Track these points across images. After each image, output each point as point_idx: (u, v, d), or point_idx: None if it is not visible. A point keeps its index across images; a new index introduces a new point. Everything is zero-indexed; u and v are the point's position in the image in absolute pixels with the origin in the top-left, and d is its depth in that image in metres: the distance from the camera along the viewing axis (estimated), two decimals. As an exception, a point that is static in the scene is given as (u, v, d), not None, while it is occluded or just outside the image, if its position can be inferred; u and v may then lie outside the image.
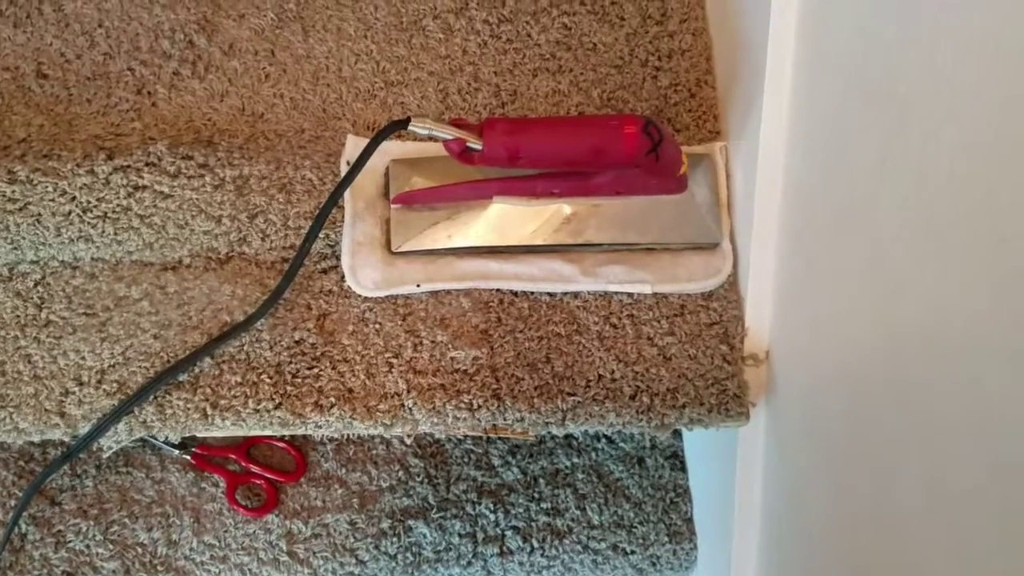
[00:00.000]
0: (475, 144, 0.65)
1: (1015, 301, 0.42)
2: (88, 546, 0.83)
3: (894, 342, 0.54)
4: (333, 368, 0.70)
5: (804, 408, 0.67)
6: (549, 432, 0.72)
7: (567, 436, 0.90)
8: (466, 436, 0.89)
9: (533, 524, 0.87)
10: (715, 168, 0.76)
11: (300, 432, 0.71)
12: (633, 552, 0.87)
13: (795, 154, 0.68)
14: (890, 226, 0.54)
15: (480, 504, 0.87)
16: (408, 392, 0.70)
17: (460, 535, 0.86)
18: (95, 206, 0.72)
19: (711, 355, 0.72)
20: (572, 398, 0.70)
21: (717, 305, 0.74)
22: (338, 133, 0.77)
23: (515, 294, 0.74)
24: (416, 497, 0.87)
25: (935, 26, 0.49)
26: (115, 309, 0.72)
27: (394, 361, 0.71)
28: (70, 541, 0.83)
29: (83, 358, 0.71)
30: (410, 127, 0.64)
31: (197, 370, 0.70)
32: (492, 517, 0.87)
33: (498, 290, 0.74)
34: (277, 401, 0.69)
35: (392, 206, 0.73)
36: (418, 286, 0.72)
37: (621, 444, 0.90)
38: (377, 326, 0.72)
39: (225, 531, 0.85)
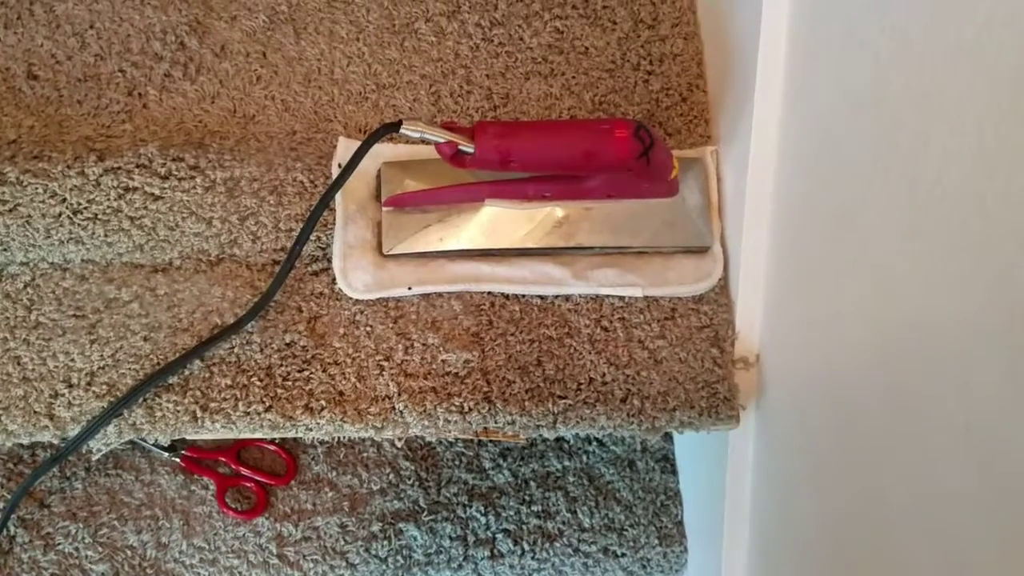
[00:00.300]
0: (467, 147, 0.65)
1: (1004, 306, 0.42)
2: (77, 549, 0.83)
3: (883, 346, 0.54)
4: (324, 371, 0.70)
5: (794, 411, 0.67)
6: (540, 435, 0.72)
7: (558, 439, 0.91)
8: (457, 439, 0.89)
9: (524, 527, 0.87)
10: (706, 172, 0.76)
11: (290, 435, 0.71)
12: (624, 555, 0.87)
13: (785, 159, 0.69)
14: (879, 231, 0.54)
15: (471, 507, 0.87)
16: (399, 395, 0.70)
17: (451, 538, 0.86)
18: (85, 208, 0.72)
19: (701, 358, 0.72)
20: (563, 401, 0.70)
21: (708, 309, 0.74)
22: (329, 135, 0.77)
23: (506, 297, 0.74)
24: (407, 500, 0.87)
25: (925, 32, 0.49)
26: (105, 311, 0.72)
27: (385, 364, 0.71)
28: (59, 544, 0.83)
29: (73, 360, 0.70)
30: (402, 130, 0.65)
31: (187, 372, 0.70)
32: (483, 520, 0.87)
33: (489, 293, 0.74)
34: (267, 404, 0.69)
35: (384, 209, 0.73)
36: (409, 289, 0.72)
37: (612, 447, 0.91)
38: (368, 329, 0.72)
39: (215, 534, 0.85)
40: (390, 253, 0.72)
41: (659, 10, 0.83)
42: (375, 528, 0.85)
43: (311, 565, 0.84)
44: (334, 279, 0.73)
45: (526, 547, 0.86)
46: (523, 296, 0.74)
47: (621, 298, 0.74)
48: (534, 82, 0.81)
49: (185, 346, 0.70)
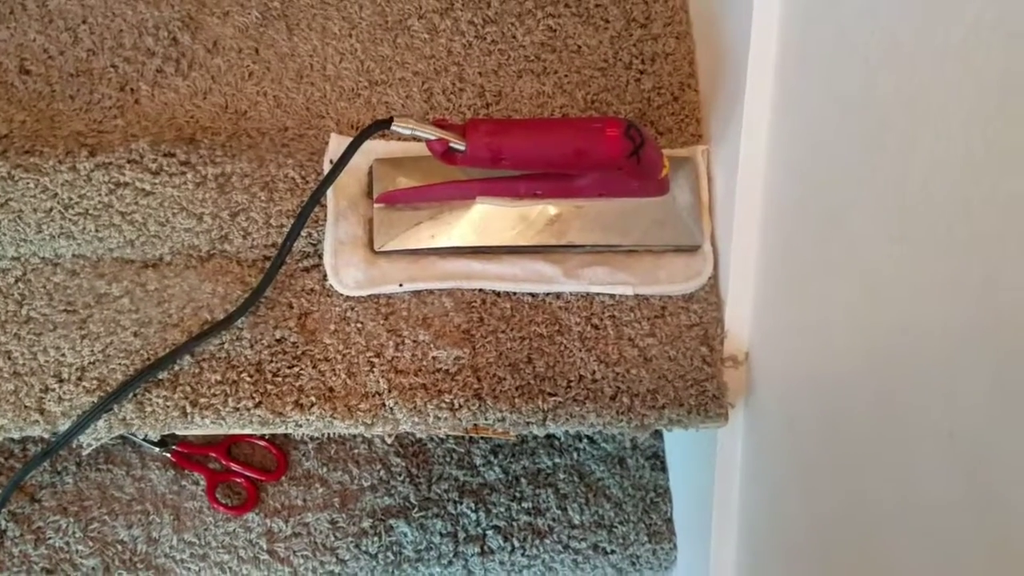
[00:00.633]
0: (458, 144, 0.65)
1: (990, 311, 0.42)
2: (68, 543, 0.83)
3: (870, 350, 0.54)
4: (314, 367, 0.71)
5: (782, 410, 0.68)
6: (530, 432, 0.72)
7: (549, 436, 0.91)
8: (448, 436, 0.89)
9: (514, 523, 0.87)
10: (697, 171, 0.76)
11: (280, 431, 0.71)
12: (613, 552, 0.87)
13: (775, 159, 0.69)
14: (867, 234, 0.54)
15: (461, 503, 0.87)
16: (389, 391, 0.70)
17: (441, 534, 0.86)
18: (77, 203, 0.72)
19: (691, 357, 0.72)
20: (553, 398, 0.71)
21: (697, 307, 0.74)
22: (321, 132, 0.77)
23: (497, 294, 0.74)
24: (397, 496, 0.87)
25: (914, 36, 0.49)
26: (96, 306, 0.72)
27: (375, 360, 0.71)
28: (50, 538, 0.83)
29: (63, 355, 0.70)
30: (393, 127, 0.65)
31: (177, 368, 0.70)
32: (473, 516, 0.87)
33: (480, 290, 0.74)
34: (257, 400, 0.69)
35: (375, 205, 0.73)
36: (400, 286, 0.73)
37: (602, 444, 0.91)
38: (359, 325, 0.72)
39: (205, 529, 0.85)
40: (381, 250, 0.73)
41: (651, 9, 0.83)
42: (365, 524, 0.86)
43: (301, 561, 0.84)
44: (325, 275, 0.73)
45: (516, 544, 0.86)
46: (514, 294, 0.74)
47: (611, 296, 0.74)
48: (526, 80, 0.81)
49: (175, 342, 0.70)
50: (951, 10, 0.46)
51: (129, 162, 0.72)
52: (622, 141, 0.66)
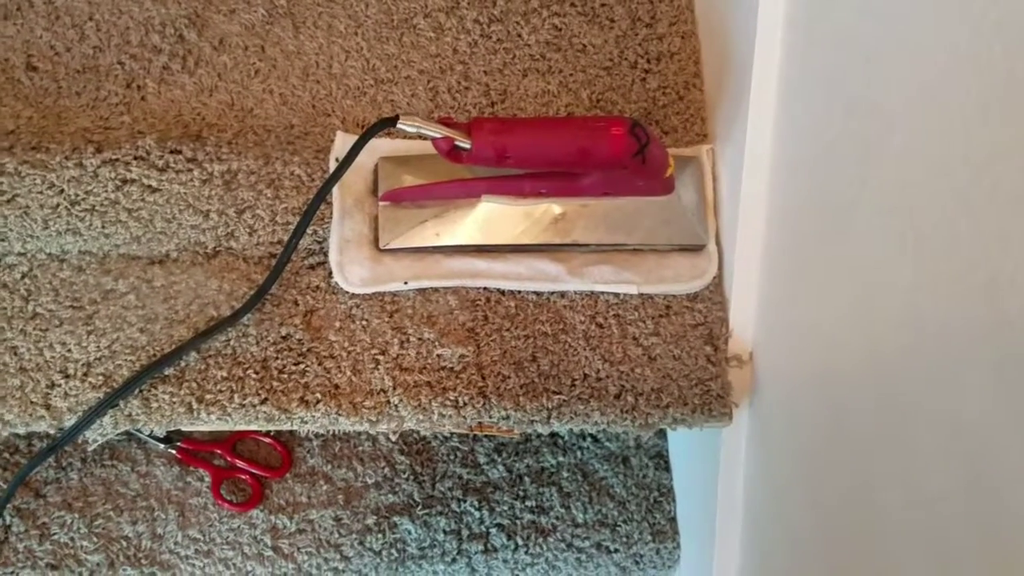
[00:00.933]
0: (463, 143, 0.65)
1: (993, 309, 0.42)
2: (72, 539, 0.83)
3: (876, 346, 0.54)
4: (319, 364, 0.71)
5: (786, 409, 0.68)
6: (534, 430, 0.72)
7: (552, 435, 0.91)
8: (452, 434, 0.90)
9: (518, 522, 0.87)
10: (702, 171, 0.76)
11: (286, 427, 0.71)
12: (617, 551, 0.87)
13: (780, 158, 0.69)
14: (871, 232, 0.54)
15: (465, 501, 0.87)
16: (394, 389, 0.70)
17: (445, 532, 0.86)
18: (83, 199, 0.72)
19: (695, 356, 0.73)
20: (557, 396, 0.71)
21: (702, 306, 0.74)
22: (327, 129, 0.78)
23: (502, 293, 0.74)
24: (401, 494, 0.87)
25: (918, 39, 0.49)
26: (102, 302, 0.72)
27: (380, 358, 0.71)
28: (55, 533, 0.83)
29: (69, 351, 0.71)
30: (399, 125, 0.65)
31: (183, 364, 0.70)
32: (477, 514, 0.87)
33: (485, 289, 0.74)
34: (263, 396, 0.70)
35: (380, 203, 0.73)
36: (405, 283, 0.73)
37: (606, 443, 0.91)
38: (364, 323, 0.72)
39: (210, 525, 0.85)
40: (387, 248, 0.73)
41: (657, 8, 0.83)
42: (369, 521, 0.86)
43: (305, 557, 0.84)
44: (330, 273, 0.73)
45: (519, 542, 0.86)
46: (519, 292, 0.74)
47: (616, 295, 0.74)
48: (532, 79, 0.81)
49: (181, 338, 0.70)
50: (956, 10, 0.46)
51: (136, 159, 0.72)
52: (627, 140, 0.66)
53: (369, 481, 0.88)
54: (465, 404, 0.70)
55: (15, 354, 0.71)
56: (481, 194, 0.73)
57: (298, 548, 0.85)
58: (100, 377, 0.70)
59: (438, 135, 0.65)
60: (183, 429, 0.72)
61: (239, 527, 0.85)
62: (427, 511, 0.87)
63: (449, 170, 0.71)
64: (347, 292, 0.73)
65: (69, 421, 0.69)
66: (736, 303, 0.73)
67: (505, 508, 0.88)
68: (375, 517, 0.86)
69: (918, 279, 0.49)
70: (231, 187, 0.73)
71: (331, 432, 0.87)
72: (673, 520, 0.89)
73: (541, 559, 0.86)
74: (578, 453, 0.90)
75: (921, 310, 0.49)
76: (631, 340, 0.73)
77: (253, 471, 0.87)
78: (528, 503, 0.88)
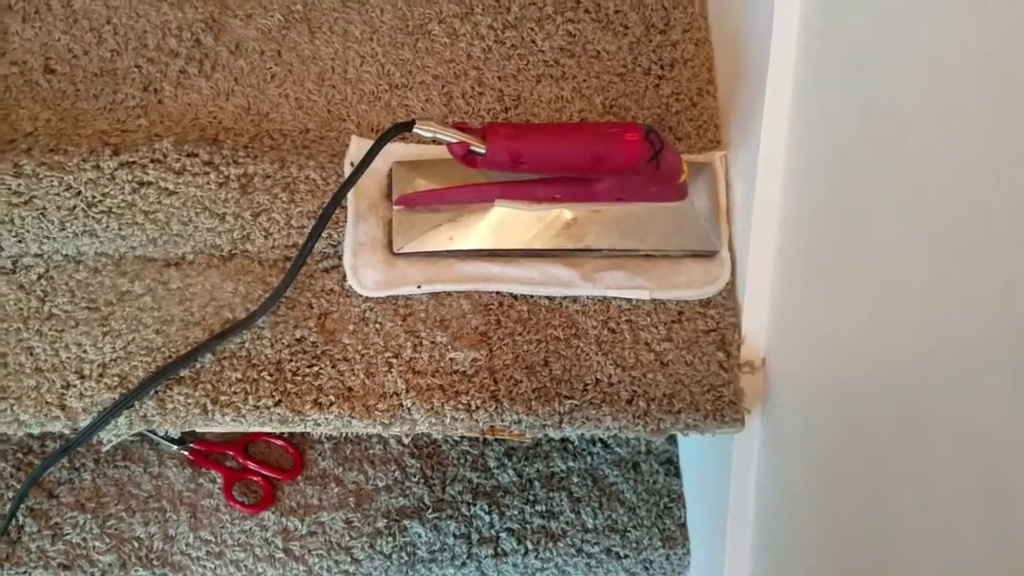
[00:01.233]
0: (478, 148, 0.66)
1: (1010, 314, 0.42)
2: (85, 539, 0.84)
3: (891, 352, 0.54)
4: (333, 367, 0.71)
5: (799, 416, 0.68)
6: (546, 435, 0.72)
7: (562, 439, 0.91)
8: (463, 437, 0.90)
9: (528, 526, 0.87)
10: (715, 177, 0.76)
11: (299, 429, 0.71)
12: (626, 556, 0.87)
13: (794, 165, 0.69)
14: (886, 239, 0.54)
15: (475, 505, 0.87)
16: (407, 392, 0.71)
17: (455, 536, 0.86)
18: (100, 201, 0.73)
19: (708, 362, 0.73)
20: (569, 401, 0.71)
21: (714, 312, 0.74)
22: (342, 134, 0.78)
23: (515, 297, 0.74)
24: (412, 497, 0.88)
25: (936, 42, 0.50)
26: (117, 304, 0.73)
27: (394, 361, 0.71)
28: (67, 534, 0.84)
29: (85, 352, 0.71)
30: (415, 129, 0.65)
31: (198, 366, 0.71)
32: (487, 518, 0.87)
33: (498, 293, 0.74)
34: (277, 398, 0.70)
35: (395, 207, 0.74)
36: (419, 287, 0.73)
37: (616, 448, 0.91)
38: (377, 326, 0.73)
39: (221, 527, 0.85)
40: (400, 252, 0.73)
41: (671, 15, 0.84)
42: (380, 524, 0.86)
43: (316, 560, 0.85)
44: (345, 276, 0.73)
45: (529, 546, 0.86)
46: (531, 297, 0.74)
47: (628, 300, 0.74)
48: (545, 85, 0.81)
49: (196, 340, 0.71)
50: (973, 13, 0.46)
51: (152, 161, 0.73)
52: (641, 146, 0.66)
53: (380, 484, 0.88)
54: (477, 408, 0.70)
55: (31, 354, 0.71)
56: (495, 199, 0.73)
57: (309, 550, 0.85)
58: (115, 378, 0.70)
59: (453, 140, 0.65)
60: (197, 430, 0.72)
61: (250, 529, 0.85)
62: (437, 515, 0.87)
63: (463, 175, 0.72)
64: (361, 295, 0.73)
65: (84, 422, 0.70)
66: (749, 309, 0.73)
67: (515, 512, 0.88)
68: (385, 520, 0.86)
69: (935, 284, 0.49)
70: (247, 190, 0.73)
71: (343, 435, 0.87)
72: (683, 526, 0.89)
73: (551, 564, 0.86)
74: (588, 458, 0.91)
75: (938, 315, 0.49)
76: (643, 345, 0.73)
77: (265, 473, 0.87)
78: (538, 508, 0.88)
